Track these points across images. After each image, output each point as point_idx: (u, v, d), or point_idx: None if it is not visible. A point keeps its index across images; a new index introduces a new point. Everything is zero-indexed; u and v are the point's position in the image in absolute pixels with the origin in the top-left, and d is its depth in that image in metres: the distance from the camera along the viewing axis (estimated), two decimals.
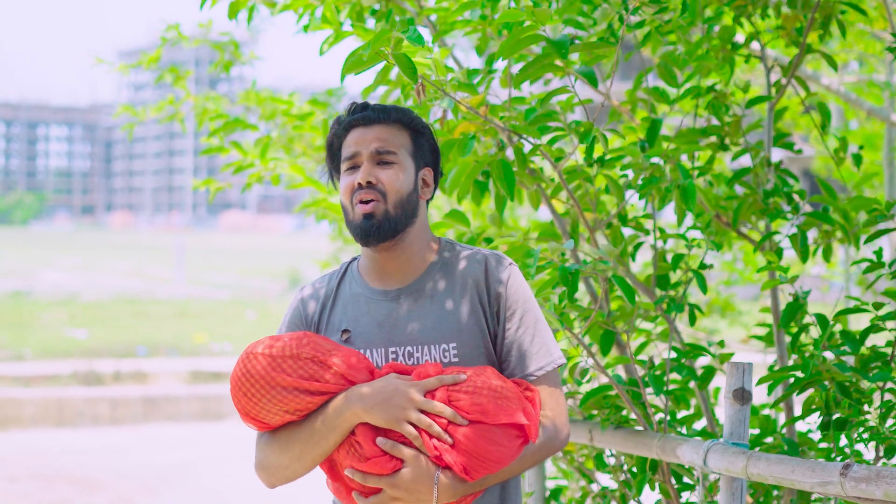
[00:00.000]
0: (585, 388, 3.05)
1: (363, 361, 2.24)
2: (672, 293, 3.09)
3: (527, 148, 2.97)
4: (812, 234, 3.26)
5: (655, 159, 2.98)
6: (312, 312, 2.38)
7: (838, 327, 2.81)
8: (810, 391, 2.73)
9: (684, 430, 3.02)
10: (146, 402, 10.96)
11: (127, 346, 13.90)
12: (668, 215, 12.90)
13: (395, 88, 3.34)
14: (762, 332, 3.31)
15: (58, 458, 8.97)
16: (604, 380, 3.11)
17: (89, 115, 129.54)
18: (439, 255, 2.37)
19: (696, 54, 3.15)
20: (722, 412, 2.74)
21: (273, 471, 2.27)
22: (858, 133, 7.77)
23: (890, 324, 2.71)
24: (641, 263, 6.03)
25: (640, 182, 3.00)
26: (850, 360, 2.75)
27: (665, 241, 3.16)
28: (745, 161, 6.14)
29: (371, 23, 3.41)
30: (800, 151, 3.36)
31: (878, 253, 2.75)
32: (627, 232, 3.30)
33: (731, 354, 2.97)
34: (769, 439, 2.96)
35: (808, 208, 3.19)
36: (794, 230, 3.06)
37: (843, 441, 2.68)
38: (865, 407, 2.64)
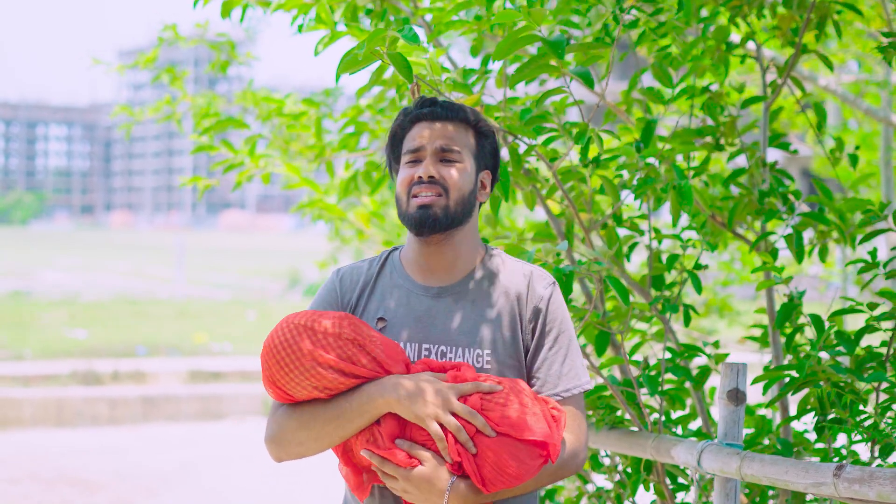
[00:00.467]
0: None
1: (401, 354, 2.24)
2: (667, 294, 3.09)
3: (522, 148, 2.97)
4: (808, 235, 3.26)
5: (651, 160, 2.98)
6: (350, 295, 2.35)
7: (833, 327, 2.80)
8: (805, 391, 2.73)
9: (679, 431, 3.02)
10: (146, 402, 10.95)
11: (127, 346, 13.89)
12: (663, 216, 12.90)
13: (390, 88, 3.34)
14: (757, 332, 3.31)
15: (57, 459, 8.97)
16: (598, 380, 3.11)
17: (89, 115, 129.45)
18: (485, 261, 2.36)
19: (691, 54, 3.15)
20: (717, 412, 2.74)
21: (286, 445, 2.24)
22: (857, 133, 7.76)
23: (885, 324, 2.71)
24: (637, 264, 6.03)
25: (635, 182, 3.00)
26: (846, 360, 2.75)
27: (660, 242, 3.16)
28: (741, 161, 6.15)
29: (366, 23, 3.40)
30: (795, 152, 3.36)
31: (873, 253, 2.75)
32: (622, 232, 3.30)
33: (727, 355, 2.97)
34: (766, 441, 2.97)
35: (804, 208, 3.19)
36: (790, 230, 3.06)
37: (840, 442, 2.68)
38: (861, 407, 2.64)
